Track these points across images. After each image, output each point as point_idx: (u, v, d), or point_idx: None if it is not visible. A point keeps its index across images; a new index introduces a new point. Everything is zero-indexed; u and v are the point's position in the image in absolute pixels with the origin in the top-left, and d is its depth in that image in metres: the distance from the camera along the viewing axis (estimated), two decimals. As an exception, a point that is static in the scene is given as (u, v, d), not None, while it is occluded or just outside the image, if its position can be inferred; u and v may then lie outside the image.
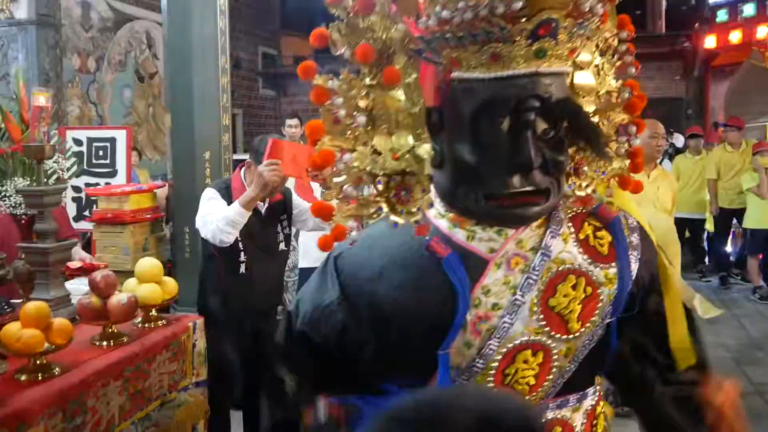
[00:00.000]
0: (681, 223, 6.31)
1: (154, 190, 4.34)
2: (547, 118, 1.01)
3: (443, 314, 1.04)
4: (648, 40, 14.85)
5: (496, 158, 1.00)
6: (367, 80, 1.05)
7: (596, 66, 1.14)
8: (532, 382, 1.10)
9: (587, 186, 1.17)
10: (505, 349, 1.07)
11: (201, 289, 3.10)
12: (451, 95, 1.03)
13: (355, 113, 1.05)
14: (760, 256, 6.58)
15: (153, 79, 8.84)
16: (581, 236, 1.13)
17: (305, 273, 4.45)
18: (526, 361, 1.08)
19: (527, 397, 1.10)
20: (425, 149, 1.05)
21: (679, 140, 8.68)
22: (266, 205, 2.96)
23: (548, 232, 1.10)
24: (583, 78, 1.10)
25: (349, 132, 1.06)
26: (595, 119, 1.13)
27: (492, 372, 1.08)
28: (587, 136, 1.03)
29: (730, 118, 8.02)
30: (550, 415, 1.14)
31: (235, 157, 4.75)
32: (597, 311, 1.11)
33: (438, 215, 1.12)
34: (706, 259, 7.47)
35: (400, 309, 1.07)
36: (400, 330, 1.07)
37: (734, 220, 7.00)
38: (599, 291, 1.11)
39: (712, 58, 14.28)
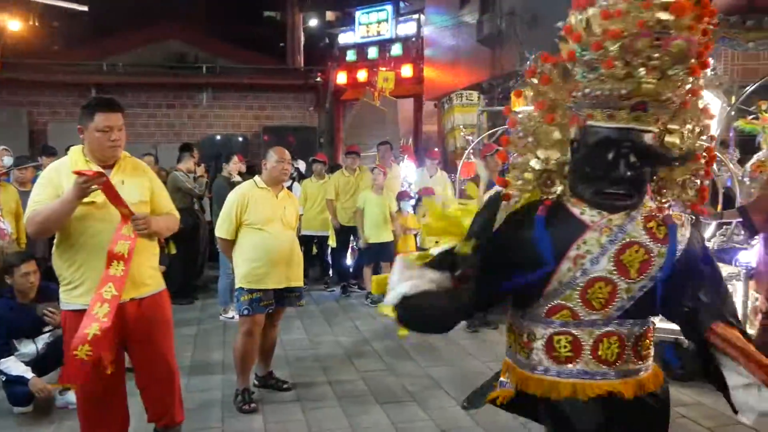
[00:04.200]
0: (309, 240, 8.15)
1: None
2: (637, 154, 1.83)
3: (529, 247, 1.88)
4: (286, 73, 17.24)
5: (605, 171, 1.84)
6: (537, 119, 1.94)
7: (682, 132, 1.93)
8: (603, 303, 1.90)
9: (665, 202, 1.98)
10: (588, 278, 1.89)
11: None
12: (584, 133, 1.88)
13: (529, 137, 1.95)
14: (372, 266, 7.62)
15: None
16: (649, 225, 1.91)
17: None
18: (600, 288, 1.90)
19: (599, 312, 1.90)
20: (565, 160, 1.92)
21: (301, 165, 10.00)
22: None
23: (628, 218, 1.90)
24: (670, 138, 1.90)
25: (524, 145, 1.96)
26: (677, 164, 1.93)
27: (578, 289, 1.90)
28: (665, 165, 1.89)
29: (348, 146, 10.04)
30: (612, 327, 1.94)
31: None
32: (649, 269, 1.89)
33: (567, 197, 1.96)
34: (330, 272, 8.58)
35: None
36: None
37: (351, 236, 8.08)
38: (653, 258, 1.89)
39: (341, 93, 16.40)
